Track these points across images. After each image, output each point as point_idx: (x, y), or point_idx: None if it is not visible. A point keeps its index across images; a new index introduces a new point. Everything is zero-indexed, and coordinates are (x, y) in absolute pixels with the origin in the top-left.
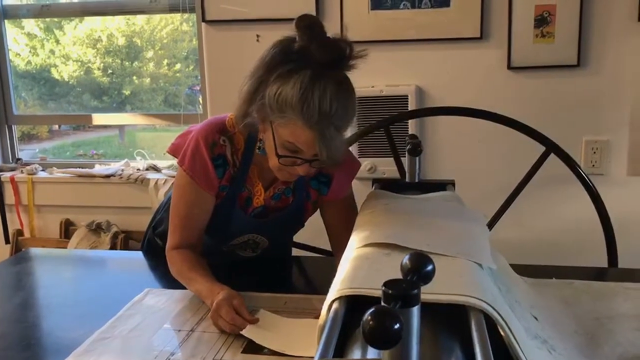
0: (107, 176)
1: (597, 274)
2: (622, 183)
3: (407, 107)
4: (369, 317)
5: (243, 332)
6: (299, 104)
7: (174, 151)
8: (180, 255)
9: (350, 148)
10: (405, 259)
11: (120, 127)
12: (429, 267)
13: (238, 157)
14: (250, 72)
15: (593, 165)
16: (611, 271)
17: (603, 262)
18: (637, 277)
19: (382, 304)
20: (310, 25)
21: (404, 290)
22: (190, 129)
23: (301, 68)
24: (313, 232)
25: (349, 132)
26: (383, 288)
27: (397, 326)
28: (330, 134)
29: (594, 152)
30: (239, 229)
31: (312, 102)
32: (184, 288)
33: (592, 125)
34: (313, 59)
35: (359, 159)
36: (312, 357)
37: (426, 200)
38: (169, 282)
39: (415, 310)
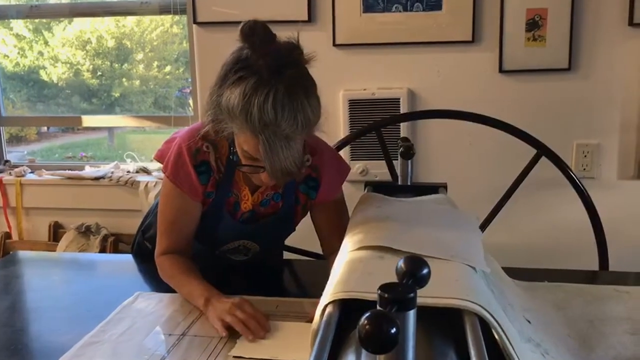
0: (97, 178)
1: (588, 277)
2: (612, 186)
3: (399, 109)
4: (365, 322)
5: (233, 352)
6: (241, 113)
7: (159, 157)
8: (170, 259)
9: (341, 151)
10: (401, 263)
11: (110, 130)
12: (425, 271)
13: (222, 162)
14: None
15: (584, 169)
16: (602, 274)
17: (594, 265)
18: (628, 280)
19: (378, 307)
20: (249, 33)
21: (400, 294)
22: (175, 135)
23: (248, 75)
24: (304, 235)
25: (325, 137)
26: (379, 292)
27: (393, 330)
28: (276, 143)
29: (585, 156)
30: (228, 235)
31: (253, 111)
32: (174, 292)
33: (583, 129)
34: (258, 66)
35: (350, 162)
36: None
37: (419, 203)
38: (160, 285)
39: (412, 314)
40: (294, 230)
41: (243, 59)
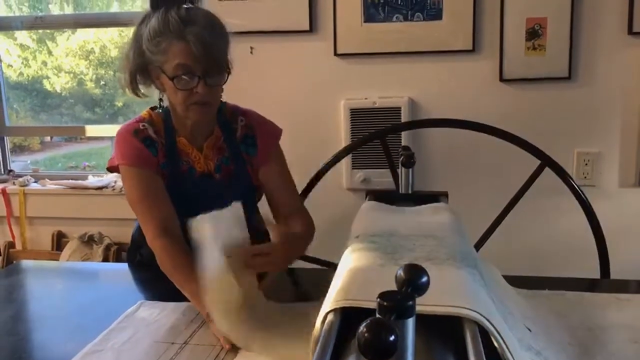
0: (100, 188)
1: (589, 285)
2: (613, 194)
3: (400, 118)
4: (364, 329)
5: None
6: (163, 26)
7: (110, 162)
8: (167, 249)
9: (343, 160)
10: (400, 271)
11: (113, 139)
12: (424, 279)
13: (161, 134)
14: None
15: (585, 177)
16: (603, 282)
17: (595, 274)
18: (629, 288)
19: (377, 315)
20: None
21: (399, 301)
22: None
23: (159, 8)
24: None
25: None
26: (378, 300)
27: (392, 338)
28: (203, 35)
29: (586, 164)
30: (197, 200)
31: (172, 18)
32: (176, 301)
33: (584, 137)
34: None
35: (352, 170)
36: None
37: (419, 215)
38: (162, 294)
39: (410, 322)
40: (260, 196)
41: (145, 12)
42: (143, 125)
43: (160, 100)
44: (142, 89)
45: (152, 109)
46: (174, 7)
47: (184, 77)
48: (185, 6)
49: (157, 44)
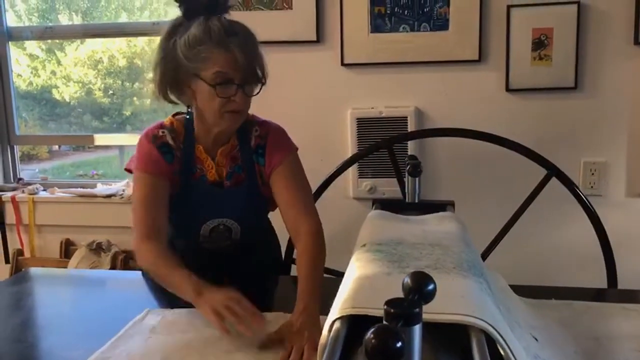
0: (108, 196)
1: (596, 295)
2: (620, 204)
3: (407, 128)
4: (371, 336)
5: None
6: (204, 34)
7: (128, 164)
8: (153, 249)
9: (350, 168)
10: (407, 278)
11: (121, 148)
12: (430, 287)
13: (180, 140)
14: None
15: (592, 187)
16: (610, 292)
17: (602, 283)
18: (636, 297)
19: (384, 322)
20: None
21: (405, 309)
22: None
23: (193, 18)
24: None
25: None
26: (385, 307)
27: (399, 345)
28: (243, 45)
29: (592, 174)
30: (205, 206)
31: (214, 27)
32: (183, 307)
33: (590, 147)
34: (198, 9)
35: (358, 179)
36: None
37: (425, 225)
38: (169, 302)
39: (417, 329)
40: (269, 208)
41: (182, 14)
42: (162, 132)
43: (189, 107)
44: (172, 95)
45: (174, 115)
46: (213, 17)
47: (222, 85)
48: (225, 16)
49: (196, 52)
